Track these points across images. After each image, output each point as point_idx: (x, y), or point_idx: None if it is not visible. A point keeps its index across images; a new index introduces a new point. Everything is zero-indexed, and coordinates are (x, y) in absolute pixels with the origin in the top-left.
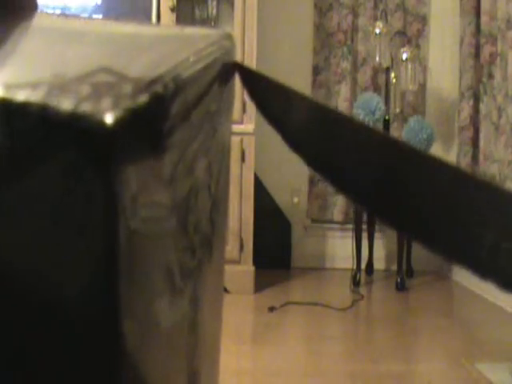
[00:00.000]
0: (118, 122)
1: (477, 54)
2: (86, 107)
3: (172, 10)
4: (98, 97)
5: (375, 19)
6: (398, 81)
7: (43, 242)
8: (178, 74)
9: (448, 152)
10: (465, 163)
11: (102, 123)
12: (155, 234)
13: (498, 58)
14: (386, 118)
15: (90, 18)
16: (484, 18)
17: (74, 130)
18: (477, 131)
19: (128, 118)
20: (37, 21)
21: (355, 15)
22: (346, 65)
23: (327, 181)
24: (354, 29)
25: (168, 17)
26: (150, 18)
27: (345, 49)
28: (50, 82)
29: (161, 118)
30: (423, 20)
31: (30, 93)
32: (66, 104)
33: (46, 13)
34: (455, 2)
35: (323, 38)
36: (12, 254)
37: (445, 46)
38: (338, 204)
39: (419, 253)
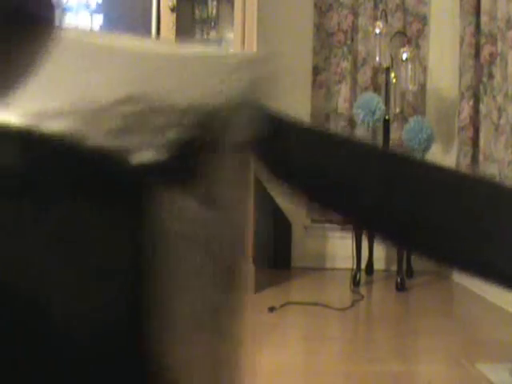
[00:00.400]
0: (150, 160)
1: (477, 54)
2: (115, 142)
3: (172, 10)
4: (128, 131)
5: (375, 19)
6: (397, 81)
7: (64, 278)
8: (207, 103)
9: (448, 152)
10: (465, 163)
11: (132, 161)
12: (185, 271)
13: (498, 58)
14: (386, 117)
15: (113, 34)
16: (484, 18)
17: (103, 167)
18: (477, 131)
19: (160, 154)
20: (58, 38)
21: (355, 15)
22: (345, 65)
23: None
24: (354, 29)
25: (168, 17)
26: (149, 18)
27: (345, 49)
28: (78, 112)
29: (191, 152)
30: (423, 20)
31: (58, 123)
32: (94, 138)
33: (67, 28)
34: (455, 2)
35: (323, 38)
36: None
37: (445, 46)
38: None
39: None
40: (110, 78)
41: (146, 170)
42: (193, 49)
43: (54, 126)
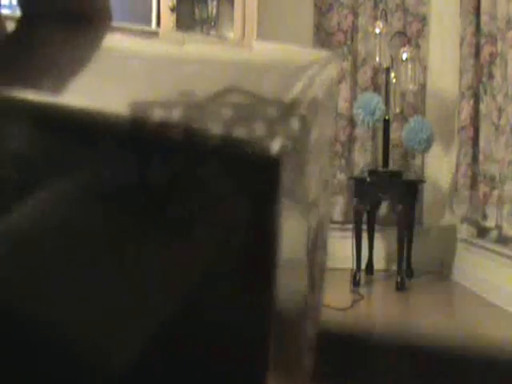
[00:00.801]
0: (283, 150)
1: (477, 54)
2: (239, 132)
3: (172, 9)
4: (245, 121)
5: (375, 19)
6: (397, 81)
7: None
8: (315, 95)
9: (448, 152)
10: (465, 163)
11: (267, 150)
12: (292, 266)
13: (498, 58)
14: (386, 117)
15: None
16: (484, 18)
17: (230, 157)
18: (477, 131)
19: (289, 144)
20: (117, 38)
21: (355, 15)
22: (345, 65)
23: None
24: (354, 29)
25: (168, 17)
26: (150, 18)
27: (345, 49)
28: (182, 102)
29: (306, 141)
30: (423, 20)
31: (166, 112)
32: (213, 126)
33: (122, 28)
34: (455, 1)
35: (323, 38)
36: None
37: (445, 46)
38: (338, 204)
39: (419, 253)
40: (202, 72)
41: (281, 162)
42: (267, 48)
43: (167, 116)
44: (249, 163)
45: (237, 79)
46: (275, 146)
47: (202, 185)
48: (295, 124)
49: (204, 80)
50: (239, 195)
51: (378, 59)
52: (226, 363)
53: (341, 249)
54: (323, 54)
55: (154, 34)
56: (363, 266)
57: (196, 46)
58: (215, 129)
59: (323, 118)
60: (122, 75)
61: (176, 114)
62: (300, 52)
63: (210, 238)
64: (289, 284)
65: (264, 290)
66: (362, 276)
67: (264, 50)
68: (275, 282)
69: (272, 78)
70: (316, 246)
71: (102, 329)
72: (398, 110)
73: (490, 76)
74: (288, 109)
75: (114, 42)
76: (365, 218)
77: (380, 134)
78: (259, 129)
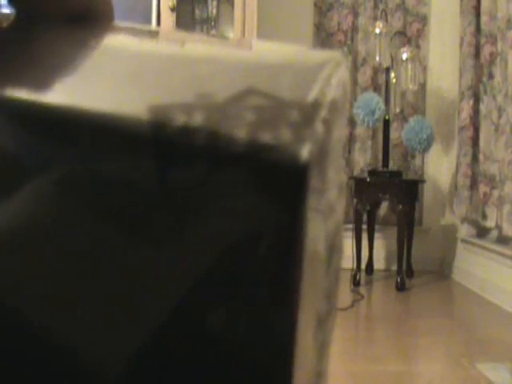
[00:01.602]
0: (311, 155)
1: (477, 54)
2: (265, 137)
3: (172, 9)
4: (270, 125)
5: (375, 19)
6: (398, 81)
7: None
8: (333, 97)
9: (448, 152)
10: (465, 163)
11: (296, 156)
12: (313, 274)
13: (498, 58)
14: (386, 117)
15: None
16: (484, 18)
17: (258, 163)
18: (477, 131)
19: (317, 149)
20: (120, 38)
21: (355, 15)
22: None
23: None
24: (354, 29)
25: (168, 17)
26: (150, 18)
27: (345, 49)
28: (202, 104)
29: (328, 145)
30: (423, 20)
31: (187, 115)
32: (237, 132)
33: (124, 27)
34: (455, 1)
35: (323, 38)
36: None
37: (445, 46)
38: None
39: (419, 253)
40: (216, 73)
41: (310, 167)
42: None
43: (189, 119)
44: (277, 170)
45: (253, 81)
46: (304, 151)
47: (226, 192)
48: (319, 128)
49: (220, 82)
50: (265, 203)
51: (377, 59)
52: (244, 371)
53: None
54: (332, 54)
55: (156, 33)
56: (363, 265)
57: (205, 46)
58: (240, 133)
59: (340, 119)
60: (133, 76)
61: (198, 118)
62: (310, 52)
63: (232, 248)
64: (307, 292)
65: (288, 301)
66: (362, 276)
67: (272, 51)
68: (300, 295)
69: (288, 79)
70: (333, 251)
71: (94, 334)
72: (397, 110)
73: (490, 76)
74: (310, 112)
75: (121, 41)
76: (365, 218)
77: (380, 133)
78: (285, 133)
